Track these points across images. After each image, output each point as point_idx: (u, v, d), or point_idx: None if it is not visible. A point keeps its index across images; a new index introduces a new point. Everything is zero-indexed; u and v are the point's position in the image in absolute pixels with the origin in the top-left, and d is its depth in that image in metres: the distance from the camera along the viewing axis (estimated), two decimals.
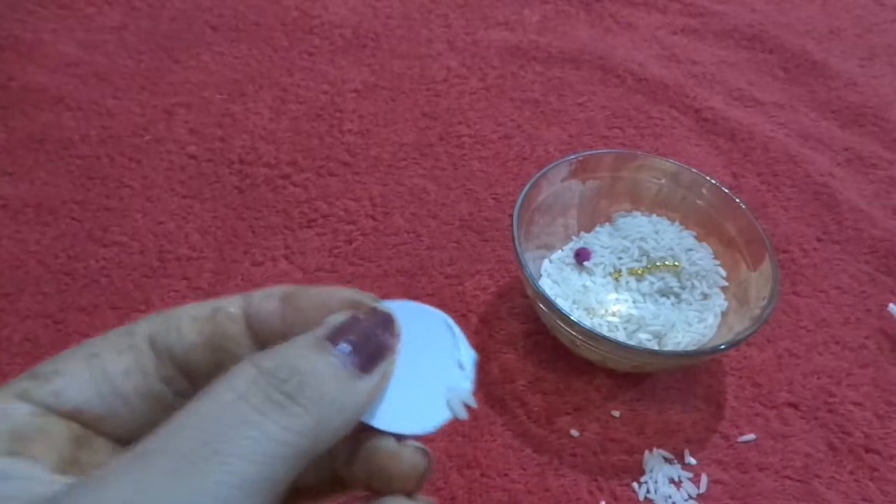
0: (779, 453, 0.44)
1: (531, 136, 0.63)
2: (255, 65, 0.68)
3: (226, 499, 0.14)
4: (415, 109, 0.65)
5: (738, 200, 0.48)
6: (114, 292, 0.50)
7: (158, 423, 0.17)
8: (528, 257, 0.46)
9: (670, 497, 0.42)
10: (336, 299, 0.19)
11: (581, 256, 0.50)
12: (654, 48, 0.73)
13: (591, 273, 0.49)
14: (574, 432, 0.45)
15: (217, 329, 0.18)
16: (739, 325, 0.44)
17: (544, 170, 0.48)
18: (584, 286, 0.48)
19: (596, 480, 0.43)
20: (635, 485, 0.42)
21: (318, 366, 0.16)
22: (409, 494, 0.18)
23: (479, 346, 0.48)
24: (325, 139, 0.61)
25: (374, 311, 0.19)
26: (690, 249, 0.50)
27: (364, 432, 0.18)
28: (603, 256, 0.50)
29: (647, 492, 0.42)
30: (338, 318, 0.18)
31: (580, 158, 0.50)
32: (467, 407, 0.19)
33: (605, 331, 0.45)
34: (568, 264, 0.50)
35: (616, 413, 0.46)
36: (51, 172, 0.57)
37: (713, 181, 0.50)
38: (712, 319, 0.47)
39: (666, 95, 0.67)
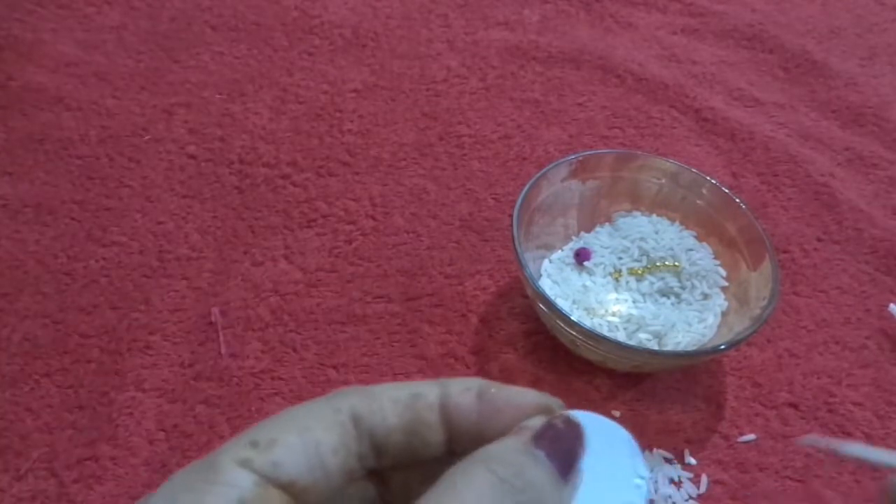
0: (779, 453, 0.44)
1: (531, 136, 0.63)
2: (254, 65, 0.68)
3: None
4: (415, 109, 0.65)
5: (738, 200, 0.48)
6: (113, 292, 0.50)
7: (343, 496, 0.18)
8: (528, 257, 0.46)
9: (670, 497, 0.42)
10: (529, 402, 0.19)
11: (581, 256, 0.49)
12: (654, 48, 0.73)
13: (591, 273, 0.49)
14: None
15: (416, 416, 0.19)
16: (739, 325, 0.44)
17: (544, 170, 0.48)
18: (584, 286, 0.48)
19: None
20: None
21: (541, 476, 0.17)
22: None
23: (479, 346, 0.48)
24: (325, 139, 0.61)
25: (568, 420, 0.19)
26: (690, 249, 0.50)
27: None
28: (603, 256, 0.50)
29: (648, 492, 0.42)
30: (535, 422, 0.19)
31: (580, 158, 0.50)
32: None
33: (605, 331, 0.45)
34: (568, 264, 0.50)
35: (616, 413, 0.46)
36: (50, 172, 0.57)
37: (713, 181, 0.50)
38: (712, 319, 0.47)
39: (666, 95, 0.67)
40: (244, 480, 0.17)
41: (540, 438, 0.18)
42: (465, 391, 0.19)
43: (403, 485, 0.17)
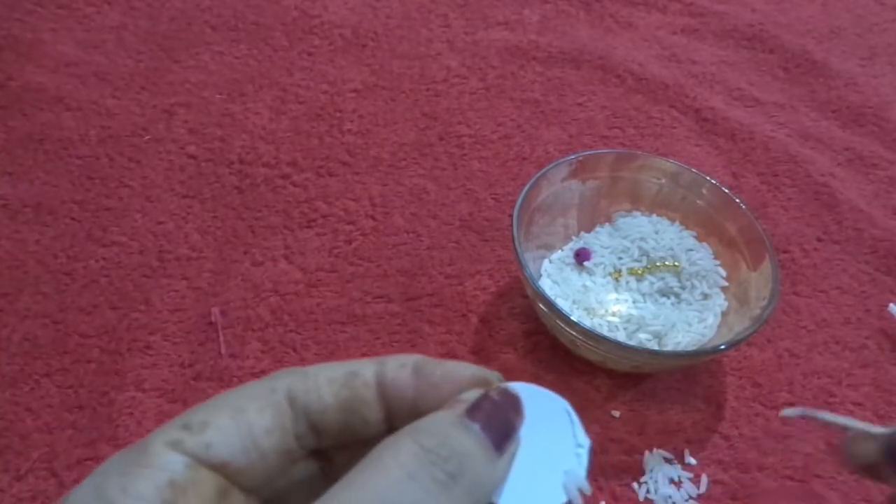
0: (779, 453, 0.44)
1: (531, 136, 0.63)
2: (254, 65, 0.68)
3: None
4: (415, 109, 0.65)
5: (738, 200, 0.48)
6: (113, 292, 0.50)
7: (285, 476, 0.19)
8: (528, 257, 0.46)
9: (670, 497, 0.42)
10: (466, 375, 0.19)
11: (581, 256, 0.49)
12: (654, 48, 0.73)
13: (591, 273, 0.49)
14: None
15: (352, 393, 0.19)
16: (739, 325, 0.44)
17: (544, 170, 0.48)
18: (584, 286, 0.48)
19: (596, 480, 0.43)
20: (635, 485, 0.42)
21: (469, 446, 0.17)
22: None
23: (479, 346, 0.48)
24: (325, 139, 0.61)
25: (505, 391, 0.19)
26: (690, 249, 0.50)
27: None
28: (603, 256, 0.50)
29: (647, 492, 0.42)
30: (470, 395, 0.19)
31: (580, 158, 0.50)
32: (582, 493, 0.19)
33: (605, 331, 0.45)
34: (568, 264, 0.50)
35: (616, 413, 0.46)
36: (50, 172, 0.57)
37: (713, 181, 0.50)
38: (712, 319, 0.47)
39: (666, 95, 0.67)
40: (175, 462, 0.17)
41: (474, 410, 0.18)
42: (401, 367, 0.19)
43: (347, 463, 0.17)
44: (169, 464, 0.17)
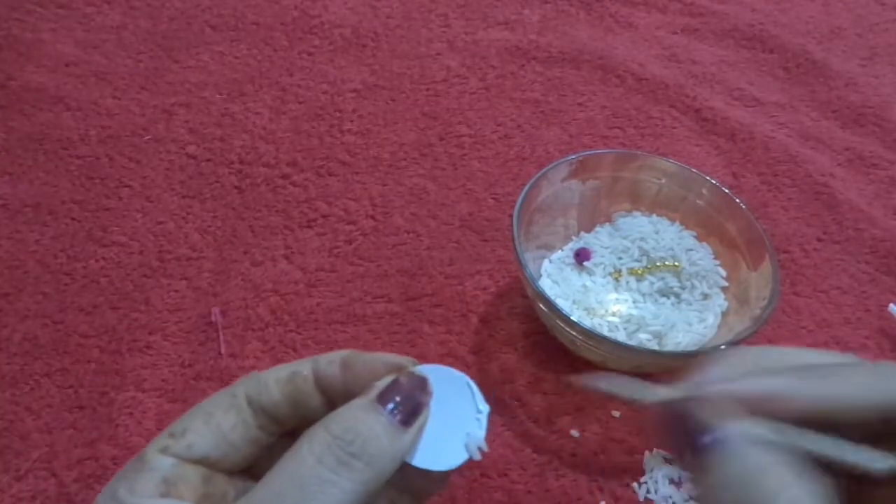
0: None
1: (531, 136, 0.63)
2: (254, 65, 0.68)
3: None
4: (415, 109, 0.65)
5: (738, 200, 0.48)
6: (113, 292, 0.50)
7: (258, 457, 0.24)
8: (528, 257, 0.46)
9: (670, 497, 0.42)
10: (382, 363, 0.24)
11: (581, 256, 0.49)
12: (654, 48, 0.73)
13: (591, 273, 0.49)
14: (574, 432, 0.44)
15: (295, 388, 0.24)
16: (739, 325, 0.44)
17: (544, 170, 0.48)
18: (584, 286, 0.48)
19: (596, 480, 0.43)
20: (635, 485, 0.42)
21: (373, 427, 0.21)
22: None
23: (479, 346, 0.48)
24: (325, 139, 0.61)
25: (412, 375, 0.23)
26: (690, 249, 0.50)
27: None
28: (603, 256, 0.50)
29: (647, 492, 0.42)
30: (383, 382, 0.23)
31: (580, 158, 0.50)
32: (481, 450, 0.24)
33: (605, 331, 0.45)
34: (568, 264, 0.50)
35: (616, 413, 0.46)
36: (50, 172, 0.57)
37: (713, 181, 0.50)
38: (712, 319, 0.47)
39: (666, 95, 0.67)
40: (164, 463, 0.22)
41: (383, 395, 0.22)
42: (330, 363, 0.24)
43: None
44: (160, 465, 0.22)
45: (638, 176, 0.51)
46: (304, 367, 0.24)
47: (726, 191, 0.49)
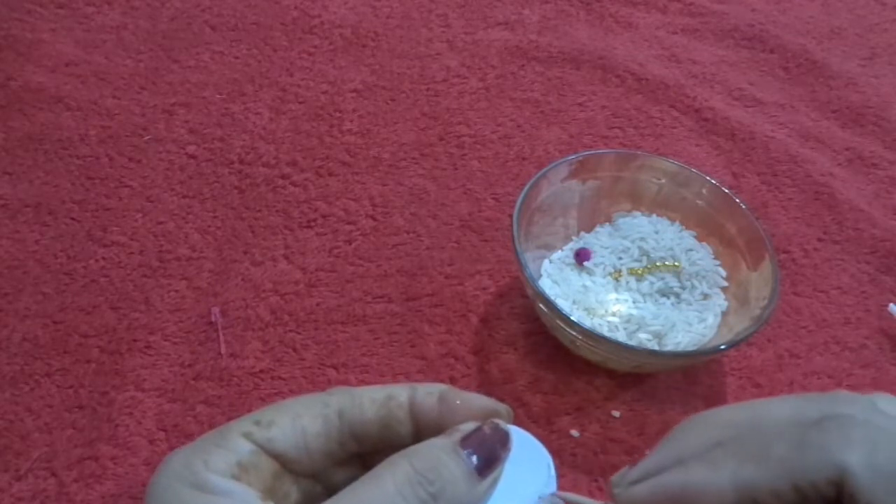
0: None
1: (531, 136, 0.63)
2: (254, 65, 0.68)
3: None
4: (415, 109, 0.65)
5: (738, 200, 0.48)
6: (113, 292, 0.50)
7: (326, 468, 0.24)
8: (528, 257, 0.46)
9: None
10: (480, 406, 0.24)
11: (581, 256, 0.49)
12: (654, 48, 0.73)
13: (591, 273, 0.49)
14: (574, 432, 0.44)
15: (388, 412, 0.24)
16: (739, 325, 0.44)
17: (544, 170, 0.48)
18: (584, 286, 0.48)
19: (596, 480, 0.43)
20: None
21: (455, 471, 0.21)
22: None
23: (479, 346, 0.48)
24: (325, 139, 0.61)
25: (496, 426, 0.23)
26: (690, 249, 0.50)
27: None
28: (603, 256, 0.50)
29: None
30: (467, 426, 0.23)
31: (580, 158, 0.50)
32: None
33: (605, 331, 0.45)
34: (568, 264, 0.50)
35: (616, 413, 0.46)
36: (50, 172, 0.57)
37: (713, 181, 0.50)
38: (712, 319, 0.47)
39: (666, 95, 0.67)
40: (244, 447, 0.22)
41: (467, 439, 0.22)
42: (429, 395, 0.24)
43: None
44: (240, 448, 0.22)
45: (638, 176, 0.51)
46: (400, 393, 0.24)
47: (726, 191, 0.49)
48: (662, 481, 0.23)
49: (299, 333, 0.49)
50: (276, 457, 0.23)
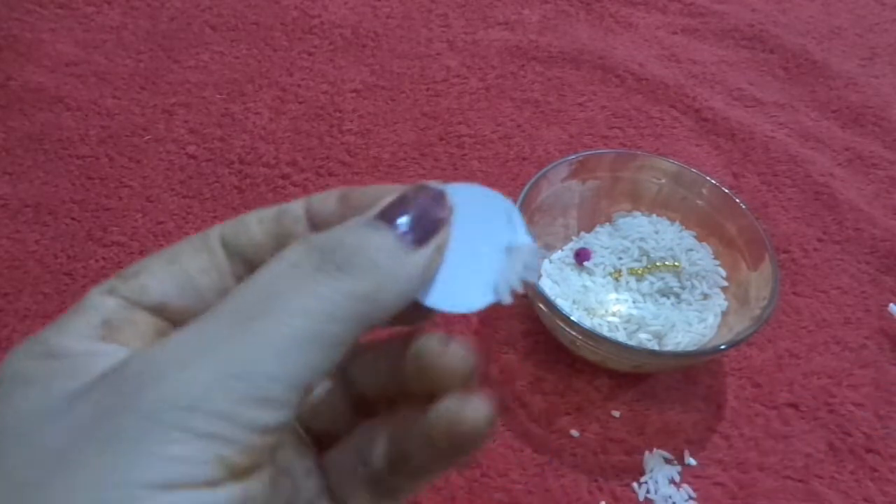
0: (779, 453, 0.44)
1: (531, 136, 0.63)
2: (254, 65, 0.68)
3: (281, 349, 0.15)
4: (415, 109, 0.65)
5: (738, 200, 0.48)
6: None
7: None
8: None
9: (670, 497, 0.42)
10: (389, 192, 0.19)
11: (581, 256, 0.49)
12: (654, 48, 0.73)
13: (591, 273, 0.49)
14: (574, 432, 0.44)
15: (282, 228, 0.19)
16: (739, 326, 0.44)
17: (544, 170, 0.48)
18: (584, 286, 0.48)
19: (596, 481, 0.43)
20: (635, 485, 0.42)
21: (367, 240, 0.17)
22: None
23: (479, 346, 0.48)
24: (325, 139, 0.61)
25: (424, 187, 0.19)
26: (690, 249, 0.50)
27: (413, 335, 0.20)
28: (603, 256, 0.50)
29: (647, 492, 0.42)
30: (388, 198, 0.18)
31: (580, 158, 0.50)
32: (514, 292, 0.19)
33: (605, 331, 0.45)
34: (568, 264, 0.50)
35: (616, 413, 0.46)
36: (50, 172, 0.57)
37: (713, 181, 0.50)
38: (712, 319, 0.47)
39: (666, 95, 0.67)
40: (109, 305, 0.18)
41: (388, 210, 0.18)
42: (326, 197, 0.20)
43: None
44: (103, 306, 0.18)
45: (638, 176, 0.51)
46: (293, 206, 0.20)
47: (726, 191, 0.49)
48: None
49: None
50: (156, 309, 0.18)
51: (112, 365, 0.16)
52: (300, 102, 0.64)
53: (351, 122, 0.63)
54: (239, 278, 0.19)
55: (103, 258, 0.52)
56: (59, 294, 0.50)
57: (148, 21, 0.71)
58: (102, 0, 0.73)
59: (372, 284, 0.17)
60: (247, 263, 0.19)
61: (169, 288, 0.18)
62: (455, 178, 0.59)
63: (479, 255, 0.19)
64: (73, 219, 0.54)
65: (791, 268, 0.55)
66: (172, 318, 0.19)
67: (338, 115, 0.64)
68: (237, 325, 0.16)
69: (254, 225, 0.20)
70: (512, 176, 0.59)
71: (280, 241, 0.19)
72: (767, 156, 0.62)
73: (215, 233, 0.20)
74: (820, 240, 0.56)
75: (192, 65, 0.67)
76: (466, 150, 0.61)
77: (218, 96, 0.64)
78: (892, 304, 0.52)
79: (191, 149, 0.60)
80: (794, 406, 0.47)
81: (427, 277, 0.18)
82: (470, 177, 0.59)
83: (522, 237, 0.19)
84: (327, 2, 0.75)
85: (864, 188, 0.61)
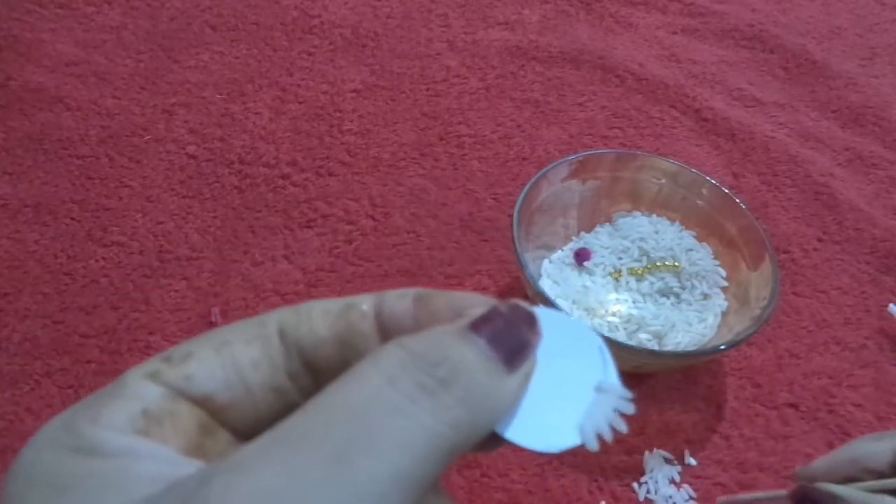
0: (779, 453, 0.44)
1: (531, 136, 0.63)
2: (254, 65, 0.68)
3: (382, 494, 0.13)
4: (415, 109, 0.65)
5: (738, 200, 0.48)
6: (113, 292, 0.50)
7: (278, 419, 0.16)
8: (528, 257, 0.46)
9: (670, 497, 0.42)
10: (471, 302, 0.17)
11: (581, 256, 0.49)
12: (654, 48, 0.73)
13: (591, 273, 0.49)
14: None
15: (348, 325, 0.17)
16: (739, 326, 0.44)
17: (544, 170, 0.48)
18: (584, 286, 0.48)
19: (596, 480, 0.43)
20: (635, 485, 0.42)
21: (468, 355, 0.15)
22: None
23: None
24: (325, 139, 0.61)
25: (516, 305, 0.17)
26: (690, 249, 0.50)
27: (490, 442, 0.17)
28: (603, 256, 0.50)
29: (648, 492, 0.42)
30: (478, 309, 0.16)
31: (580, 158, 0.50)
32: (601, 438, 0.17)
33: (605, 331, 0.45)
34: (568, 264, 0.50)
35: None
36: (50, 172, 0.57)
37: (713, 181, 0.50)
38: (712, 319, 0.47)
39: (666, 95, 0.67)
40: (151, 392, 0.16)
41: (479, 323, 0.16)
42: (401, 297, 0.17)
43: None
44: (144, 393, 0.16)
45: (638, 176, 0.51)
46: (363, 301, 0.17)
47: (726, 191, 0.49)
48: (836, 454, 0.28)
49: None
50: (201, 401, 0.16)
51: (182, 480, 0.14)
52: (300, 102, 0.64)
53: (351, 122, 0.63)
54: (294, 377, 0.17)
55: (103, 258, 0.52)
56: (59, 294, 0.50)
57: (148, 21, 0.71)
58: (102, 0, 0.73)
59: (472, 410, 0.15)
60: (304, 358, 0.17)
61: (217, 380, 0.16)
62: (455, 178, 0.59)
63: (564, 390, 0.17)
64: (73, 219, 0.54)
65: (791, 268, 0.55)
66: (215, 411, 0.16)
67: (338, 115, 0.64)
68: (333, 465, 0.13)
69: (317, 317, 0.17)
70: (512, 176, 0.59)
71: (344, 339, 0.17)
72: (767, 156, 0.62)
73: (273, 320, 0.17)
74: (820, 240, 0.56)
75: (192, 65, 0.67)
76: (466, 150, 0.61)
77: (218, 96, 0.64)
78: (892, 304, 0.52)
79: (191, 149, 0.60)
80: (794, 406, 0.47)
81: (513, 406, 0.16)
82: (470, 177, 0.59)
83: (613, 377, 0.18)
84: (327, 2, 0.75)
85: (864, 188, 0.61)
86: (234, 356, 0.17)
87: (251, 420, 0.17)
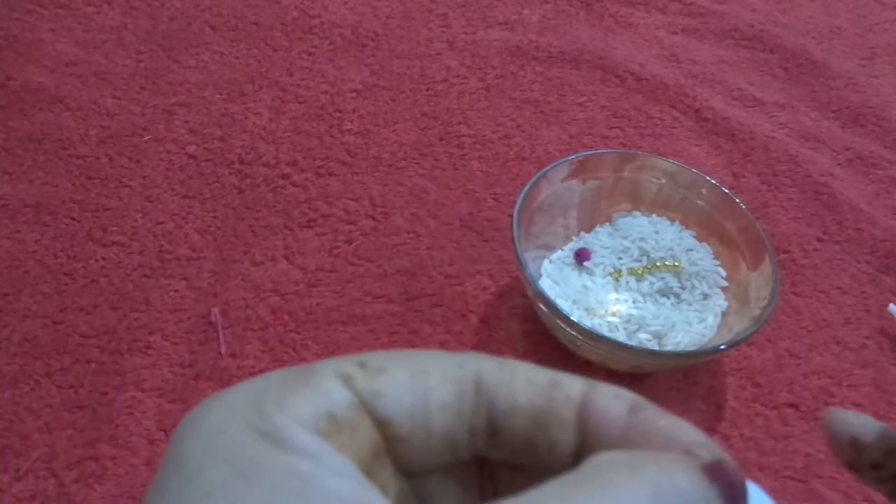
0: (779, 453, 0.44)
1: (531, 136, 0.63)
2: (254, 65, 0.68)
3: None
4: (415, 109, 0.65)
5: (738, 200, 0.48)
6: (113, 292, 0.50)
7: (439, 468, 0.16)
8: (528, 257, 0.46)
9: None
10: (688, 440, 0.16)
11: (581, 256, 0.49)
12: (654, 48, 0.73)
13: (591, 273, 0.49)
14: None
15: (549, 405, 0.16)
16: (739, 326, 0.44)
17: (544, 170, 0.48)
18: (584, 286, 0.48)
19: None
20: None
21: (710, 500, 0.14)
22: None
23: (479, 347, 0.48)
24: (325, 139, 0.61)
25: (738, 466, 0.16)
26: (690, 249, 0.50)
27: None
28: (603, 256, 0.50)
29: None
30: (704, 454, 0.15)
31: (580, 158, 0.50)
32: None
33: (605, 331, 0.45)
34: (568, 264, 0.50)
35: None
36: (50, 172, 0.57)
37: (713, 181, 0.50)
38: (712, 319, 0.47)
39: (666, 95, 0.67)
40: (340, 396, 0.14)
41: (714, 471, 0.15)
42: (616, 398, 0.16)
43: (513, 488, 0.15)
44: (334, 394, 0.14)
45: (638, 176, 0.51)
46: (571, 383, 0.16)
47: (726, 191, 0.49)
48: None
49: (299, 333, 0.49)
50: (381, 422, 0.15)
51: None
52: (300, 102, 0.64)
53: (351, 122, 0.63)
54: (472, 433, 0.16)
55: (103, 258, 0.52)
56: (59, 294, 0.50)
57: (148, 21, 0.71)
58: (102, 0, 0.73)
59: None
60: (491, 420, 0.16)
61: (403, 407, 0.15)
62: (455, 178, 0.59)
63: None
64: (73, 219, 0.54)
65: (791, 268, 0.55)
66: (389, 439, 0.15)
67: (338, 115, 0.64)
68: None
69: (520, 383, 0.16)
70: (512, 176, 0.59)
71: (537, 417, 0.16)
72: (767, 156, 0.62)
73: (473, 365, 0.16)
74: (820, 240, 0.56)
75: (192, 65, 0.67)
76: (466, 150, 0.61)
77: (218, 96, 0.64)
78: (892, 304, 0.52)
79: (191, 149, 0.60)
80: (794, 406, 0.47)
81: None
82: (470, 177, 0.59)
83: None
84: (327, 2, 0.75)
85: (864, 188, 0.61)
86: (428, 390, 0.15)
87: (415, 462, 0.16)
